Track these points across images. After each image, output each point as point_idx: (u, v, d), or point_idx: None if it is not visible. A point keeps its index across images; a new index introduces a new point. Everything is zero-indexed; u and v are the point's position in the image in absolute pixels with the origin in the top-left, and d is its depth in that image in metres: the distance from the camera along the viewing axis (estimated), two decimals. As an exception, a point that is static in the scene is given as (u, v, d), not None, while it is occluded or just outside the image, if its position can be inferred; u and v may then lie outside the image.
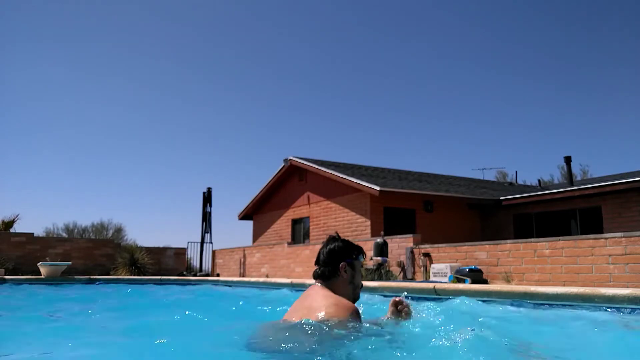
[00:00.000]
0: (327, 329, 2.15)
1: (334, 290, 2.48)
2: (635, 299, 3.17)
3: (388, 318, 2.57)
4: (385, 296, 4.69)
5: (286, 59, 33.40)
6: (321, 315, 2.25)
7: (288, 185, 20.07)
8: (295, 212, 19.32)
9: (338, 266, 2.53)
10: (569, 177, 17.74)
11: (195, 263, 18.30)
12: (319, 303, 2.35)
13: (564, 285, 8.40)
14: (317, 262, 2.60)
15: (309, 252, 15.36)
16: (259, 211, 21.96)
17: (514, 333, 2.76)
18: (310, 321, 2.19)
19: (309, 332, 2.13)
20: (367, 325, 2.37)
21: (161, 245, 16.36)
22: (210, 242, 17.34)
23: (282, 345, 2.07)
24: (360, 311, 2.38)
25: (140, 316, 3.85)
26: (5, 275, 11.27)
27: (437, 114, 39.05)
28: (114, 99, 31.68)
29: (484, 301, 4.05)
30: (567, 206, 15.57)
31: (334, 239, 2.65)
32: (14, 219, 15.18)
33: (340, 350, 1.97)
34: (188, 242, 18.69)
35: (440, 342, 1.92)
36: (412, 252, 11.90)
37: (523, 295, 3.83)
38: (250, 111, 35.89)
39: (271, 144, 37.14)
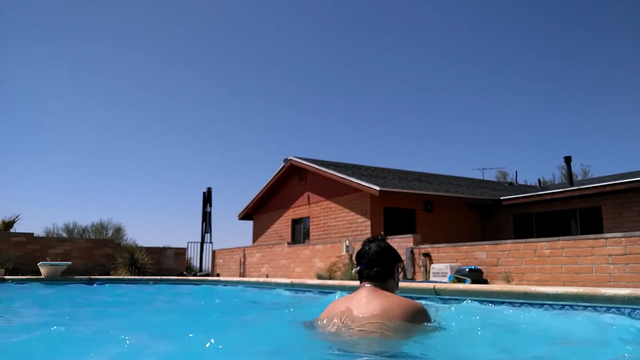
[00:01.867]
0: (426, 331, 2.19)
1: (389, 292, 2.42)
2: (635, 299, 3.17)
3: None
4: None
5: (286, 59, 33.43)
6: (413, 318, 2.23)
7: (288, 185, 20.07)
8: (295, 212, 19.32)
9: (392, 267, 2.48)
10: (569, 177, 17.74)
11: (195, 263, 18.31)
12: (401, 306, 2.27)
13: (564, 285, 8.40)
14: (368, 263, 2.46)
15: (309, 252, 15.36)
16: (259, 211, 21.96)
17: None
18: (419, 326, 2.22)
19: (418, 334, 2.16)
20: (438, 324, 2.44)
21: (161, 245, 16.37)
22: (210, 242, 17.34)
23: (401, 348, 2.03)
24: None
25: (196, 318, 3.84)
26: (5, 275, 11.26)
27: (437, 114, 39.06)
28: (114, 99, 31.70)
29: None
30: (567, 206, 15.56)
31: (381, 239, 2.57)
32: (14, 219, 15.18)
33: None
34: (188, 242, 18.70)
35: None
36: (412, 252, 11.90)
37: (523, 295, 3.83)
38: (250, 111, 35.91)
39: (271, 144, 37.17)
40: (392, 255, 2.51)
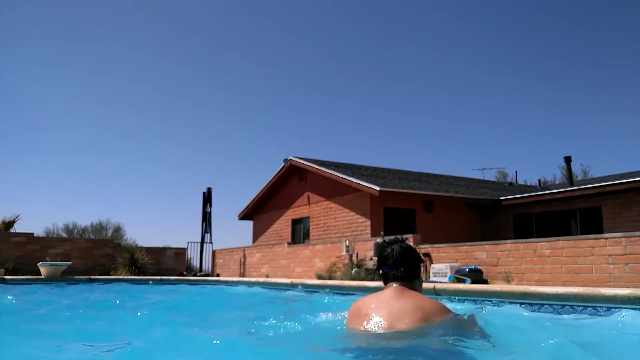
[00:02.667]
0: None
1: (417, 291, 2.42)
2: (635, 299, 3.18)
3: None
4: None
5: (286, 59, 33.42)
6: (447, 318, 2.24)
7: (288, 185, 20.07)
8: (295, 212, 19.31)
9: (417, 267, 2.48)
10: (569, 177, 17.73)
11: (195, 263, 18.31)
12: (434, 306, 2.27)
13: (564, 285, 8.40)
14: (394, 264, 2.44)
15: (309, 252, 15.36)
16: (259, 211, 21.96)
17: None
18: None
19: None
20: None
21: (161, 245, 16.37)
22: (210, 242, 17.34)
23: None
24: None
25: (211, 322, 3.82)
26: (5, 275, 11.26)
27: (437, 114, 39.04)
28: (114, 99, 31.69)
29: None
30: (567, 206, 15.56)
31: (402, 240, 2.56)
32: (14, 219, 15.17)
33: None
34: (188, 242, 18.71)
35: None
36: (412, 252, 11.90)
37: (523, 296, 3.83)
38: (250, 111, 35.90)
39: (271, 144, 37.16)
40: (415, 255, 2.51)
